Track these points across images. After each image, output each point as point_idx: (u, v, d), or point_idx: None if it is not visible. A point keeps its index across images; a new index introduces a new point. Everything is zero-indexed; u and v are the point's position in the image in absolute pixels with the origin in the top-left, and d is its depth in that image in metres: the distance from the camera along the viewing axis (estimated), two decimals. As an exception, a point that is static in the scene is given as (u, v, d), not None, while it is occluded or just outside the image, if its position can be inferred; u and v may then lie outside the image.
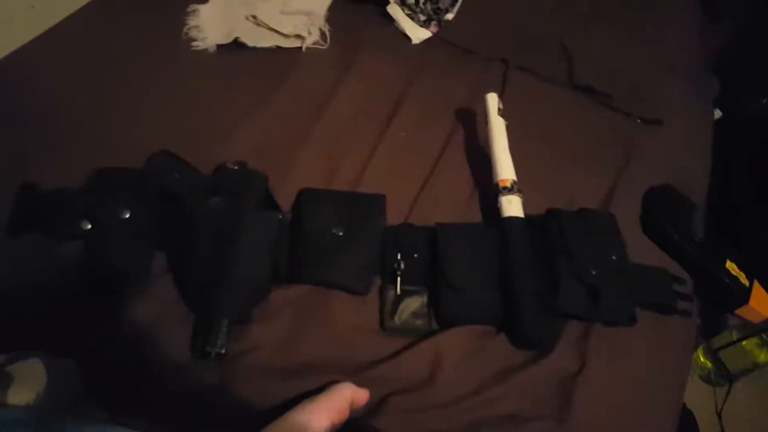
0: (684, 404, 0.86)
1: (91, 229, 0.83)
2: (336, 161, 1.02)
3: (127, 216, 0.83)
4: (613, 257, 0.89)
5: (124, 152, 0.94)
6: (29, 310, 0.78)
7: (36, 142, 0.97)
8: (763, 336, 1.42)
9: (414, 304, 0.86)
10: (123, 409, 0.73)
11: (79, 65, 1.11)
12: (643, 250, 0.97)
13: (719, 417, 1.48)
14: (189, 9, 1.25)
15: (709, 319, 1.53)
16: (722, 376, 1.52)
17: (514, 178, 0.95)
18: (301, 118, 1.08)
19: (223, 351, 0.76)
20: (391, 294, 0.86)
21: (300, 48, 1.23)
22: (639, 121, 1.22)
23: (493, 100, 1.03)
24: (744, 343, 1.43)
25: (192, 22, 1.22)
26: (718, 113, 1.55)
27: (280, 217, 0.90)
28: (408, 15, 1.33)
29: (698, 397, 1.51)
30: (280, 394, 0.75)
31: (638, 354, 0.86)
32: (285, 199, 0.94)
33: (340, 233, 0.88)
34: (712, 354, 1.54)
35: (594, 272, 0.86)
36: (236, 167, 0.92)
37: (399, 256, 0.88)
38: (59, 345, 0.74)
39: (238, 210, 0.85)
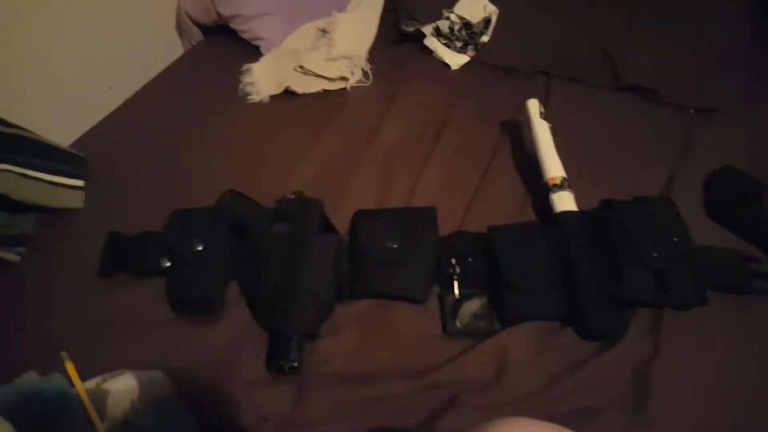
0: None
1: (171, 265, 0.92)
2: (388, 183, 1.08)
3: (200, 248, 0.91)
4: (676, 239, 0.87)
5: (196, 197, 1.03)
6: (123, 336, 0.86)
7: (121, 195, 1.09)
8: None
9: (474, 306, 0.87)
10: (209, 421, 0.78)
11: (151, 132, 1.25)
12: (710, 233, 0.93)
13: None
14: (243, 68, 1.38)
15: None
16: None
17: (564, 174, 0.95)
18: (353, 147, 1.15)
19: (296, 364, 0.80)
20: (450, 299, 0.88)
21: (345, 89, 1.32)
22: (692, 111, 1.19)
23: (533, 105, 1.06)
24: None
25: (246, 79, 1.35)
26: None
27: (339, 238, 0.95)
28: (444, 44, 1.40)
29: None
30: (353, 401, 0.78)
31: (716, 338, 0.81)
32: (343, 224, 1.00)
33: (395, 246, 0.92)
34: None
35: (656, 255, 0.83)
36: (294, 196, 0.99)
37: (454, 261, 0.90)
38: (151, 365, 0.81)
39: (300, 234, 0.92)
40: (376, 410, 0.77)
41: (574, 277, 0.85)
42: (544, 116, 1.04)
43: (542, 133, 1.02)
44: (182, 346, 0.85)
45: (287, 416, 0.77)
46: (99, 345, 0.83)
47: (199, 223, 0.95)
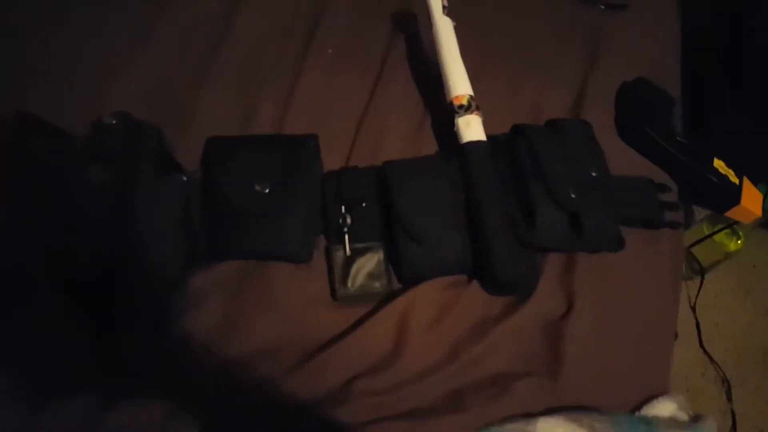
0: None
1: None
2: (250, 98, 0.83)
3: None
4: (593, 173, 0.77)
5: None
6: None
7: None
8: (734, 226, 1.36)
9: (369, 263, 0.72)
10: None
11: None
12: (620, 158, 0.84)
13: (693, 310, 1.46)
14: None
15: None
16: (693, 270, 1.49)
17: (471, 92, 0.79)
18: (197, 49, 0.87)
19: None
20: (339, 255, 0.72)
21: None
22: (602, 7, 1.05)
23: (435, -3, 0.84)
24: (714, 236, 1.38)
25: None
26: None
27: (185, 179, 0.72)
28: None
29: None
30: (218, 391, 0.63)
31: (630, 280, 0.76)
32: (190, 156, 0.76)
33: (267, 190, 0.72)
34: (685, 249, 1.50)
35: (573, 195, 0.73)
36: (114, 121, 0.71)
37: (344, 209, 0.73)
38: None
39: (128, 177, 0.67)
40: (247, 400, 0.62)
41: (479, 220, 0.72)
42: (447, 11, 0.84)
43: (445, 36, 0.82)
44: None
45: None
46: None
47: None
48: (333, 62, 0.89)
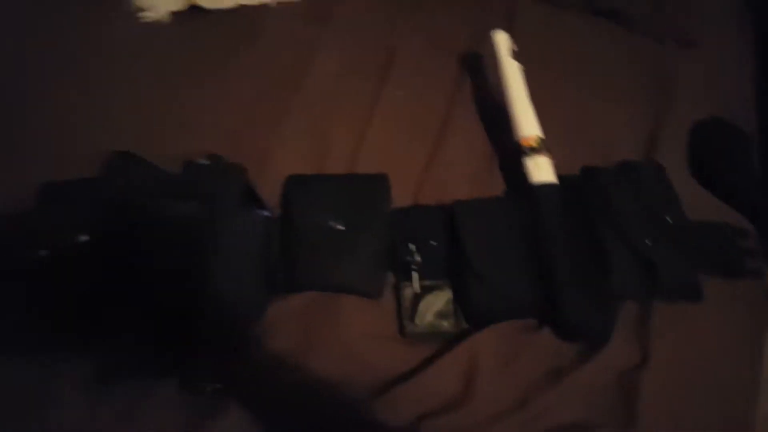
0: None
1: (48, 256, 0.71)
2: (325, 137, 0.88)
3: (86, 239, 0.71)
4: (668, 219, 0.76)
5: (76, 156, 0.82)
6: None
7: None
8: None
9: (437, 301, 0.73)
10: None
11: (12, 56, 0.96)
12: (695, 201, 0.82)
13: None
14: (134, -29, 1.08)
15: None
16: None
17: (540, 134, 0.80)
18: (278, 90, 0.94)
19: (219, 385, 0.66)
20: (408, 292, 0.74)
21: (265, 3, 1.07)
22: (672, 43, 1.04)
23: (503, 41, 0.88)
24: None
25: (138, -14, 1.06)
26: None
27: (266, 215, 0.77)
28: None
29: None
30: (288, 423, 0.67)
31: (707, 330, 0.73)
32: (269, 191, 0.81)
33: (340, 227, 0.76)
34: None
35: (649, 242, 0.72)
36: (207, 162, 0.78)
37: (413, 247, 0.75)
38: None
39: (214, 214, 0.73)
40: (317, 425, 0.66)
41: (550, 265, 0.72)
42: (515, 55, 0.86)
43: (513, 78, 0.85)
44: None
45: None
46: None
47: (82, 201, 0.76)
48: (403, 103, 0.93)
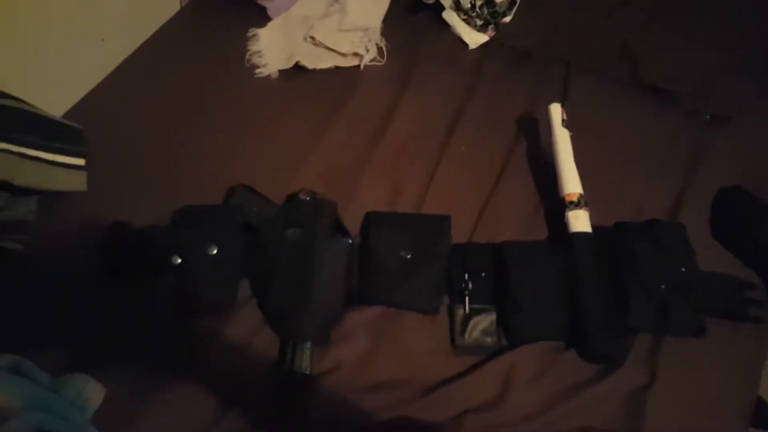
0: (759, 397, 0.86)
1: (181, 263, 0.90)
2: (399, 182, 1.06)
3: (215, 252, 0.90)
4: (683, 269, 0.89)
5: (201, 185, 1.02)
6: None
7: (119, 180, 1.04)
8: None
9: (483, 322, 0.90)
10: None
11: (151, 102, 1.18)
12: (713, 255, 0.96)
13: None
14: (249, 34, 1.30)
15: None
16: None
17: (581, 191, 0.95)
18: (363, 141, 1.12)
19: (308, 372, 0.83)
20: (460, 313, 0.90)
21: (358, 66, 1.26)
22: (708, 117, 1.17)
23: (556, 112, 1.03)
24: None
25: (253, 47, 1.27)
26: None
27: (350, 242, 0.95)
28: (464, 20, 1.33)
29: None
30: (359, 410, 0.81)
31: (709, 365, 0.86)
32: (352, 223, 0.99)
33: (408, 256, 0.93)
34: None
35: (663, 287, 0.86)
36: (308, 198, 0.97)
37: (466, 276, 0.91)
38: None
39: (313, 241, 0.92)
40: (381, 421, 0.80)
41: (580, 299, 0.87)
42: (566, 123, 1.02)
43: (562, 143, 1.00)
44: (190, 347, 0.85)
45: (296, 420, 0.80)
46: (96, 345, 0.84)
47: (212, 222, 0.94)
48: (465, 157, 1.10)
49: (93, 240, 0.93)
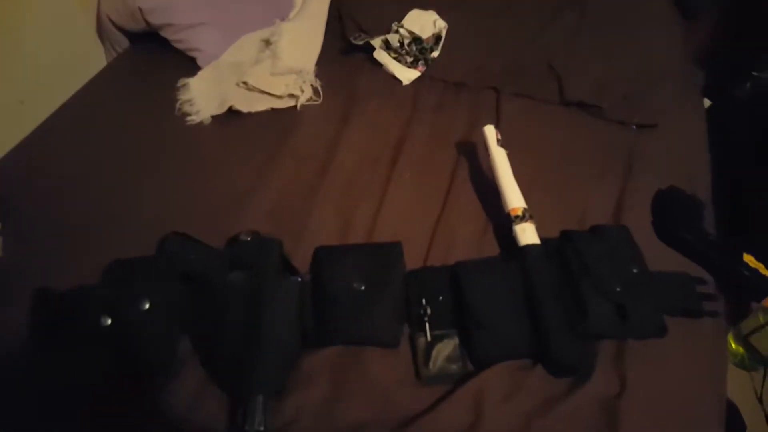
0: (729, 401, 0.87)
1: (112, 324, 0.82)
2: (348, 214, 1.04)
3: (147, 307, 0.83)
4: (634, 270, 0.90)
5: (136, 237, 0.95)
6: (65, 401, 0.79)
7: (46, 239, 0.97)
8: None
9: (446, 348, 0.86)
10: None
11: (76, 158, 1.13)
12: (660, 256, 0.98)
13: (760, 401, 1.45)
14: (179, 84, 1.28)
15: (734, 305, 1.51)
16: (756, 360, 1.50)
17: (524, 205, 0.96)
18: (307, 177, 1.10)
19: (262, 428, 0.75)
20: (421, 341, 0.86)
21: (295, 107, 1.25)
22: (634, 127, 1.24)
23: (491, 133, 1.05)
24: (771, 324, 1.42)
25: (183, 96, 1.25)
26: (706, 102, 1.57)
27: (299, 280, 0.91)
28: (395, 58, 1.36)
29: (737, 385, 1.49)
30: None
31: (675, 362, 0.86)
32: (303, 261, 0.95)
33: (362, 287, 0.89)
34: (743, 340, 1.52)
35: (618, 288, 0.86)
36: (249, 238, 0.93)
37: (424, 301, 0.89)
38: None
39: (260, 282, 0.86)
40: None
41: (538, 312, 0.86)
42: (501, 143, 1.04)
43: (501, 162, 1.02)
44: (131, 413, 0.78)
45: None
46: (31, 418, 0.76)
47: (144, 275, 0.88)
48: (411, 183, 1.10)
49: (14, 310, 0.85)
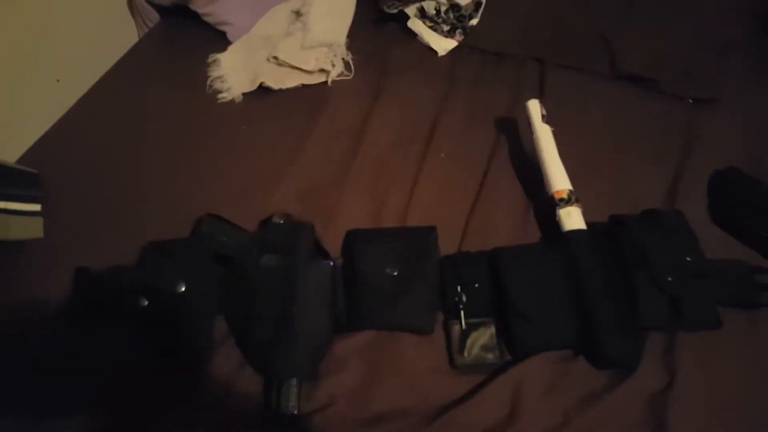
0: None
1: (148, 305, 0.83)
2: (381, 196, 1.00)
3: (183, 289, 0.83)
4: (689, 258, 0.84)
5: (170, 218, 0.96)
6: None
7: (80, 223, 0.98)
8: None
9: (482, 336, 0.83)
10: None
11: (111, 137, 1.13)
12: (715, 242, 0.91)
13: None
14: (209, 60, 1.25)
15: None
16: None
17: (570, 187, 0.90)
18: (339, 157, 1.07)
19: (296, 411, 0.75)
20: (456, 329, 0.83)
21: (326, 82, 1.21)
22: (690, 102, 1.14)
23: (535, 108, 0.98)
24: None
25: (214, 73, 1.23)
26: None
27: (332, 264, 0.89)
28: (430, 27, 1.30)
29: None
30: None
31: (730, 357, 0.80)
32: (334, 243, 0.93)
33: (395, 273, 0.86)
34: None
35: (671, 279, 0.81)
36: (282, 221, 0.91)
37: (459, 288, 0.85)
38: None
39: (292, 266, 0.85)
40: None
41: (586, 303, 0.81)
42: (546, 119, 0.98)
43: (545, 140, 0.95)
44: (167, 393, 0.78)
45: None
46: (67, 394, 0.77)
47: (179, 257, 0.87)
48: (447, 163, 1.05)
49: (54, 289, 0.87)
